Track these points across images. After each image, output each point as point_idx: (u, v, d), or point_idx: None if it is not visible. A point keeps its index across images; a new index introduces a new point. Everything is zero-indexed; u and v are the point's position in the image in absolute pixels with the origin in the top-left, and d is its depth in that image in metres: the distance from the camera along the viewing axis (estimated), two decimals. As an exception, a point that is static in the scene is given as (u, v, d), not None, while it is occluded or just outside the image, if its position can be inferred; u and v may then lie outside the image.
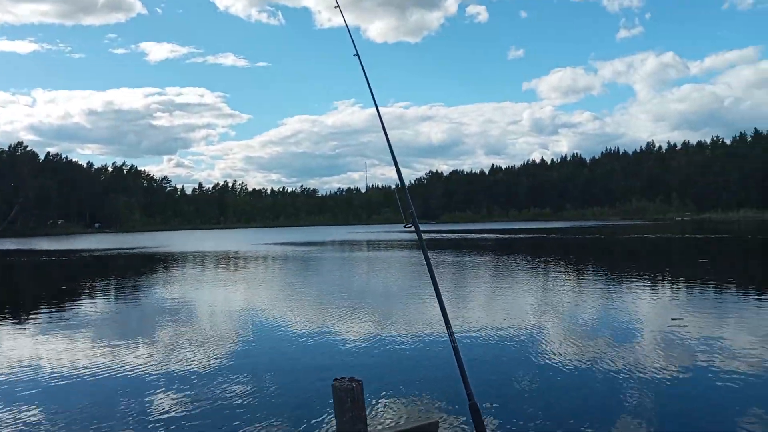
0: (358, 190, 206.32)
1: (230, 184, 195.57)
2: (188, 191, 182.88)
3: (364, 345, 10.13)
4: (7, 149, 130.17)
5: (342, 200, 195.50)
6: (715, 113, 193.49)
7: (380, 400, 6.92)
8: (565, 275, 21.16)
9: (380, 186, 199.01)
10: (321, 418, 6.27)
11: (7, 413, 6.82)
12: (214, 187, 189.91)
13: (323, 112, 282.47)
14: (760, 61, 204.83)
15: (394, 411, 6.62)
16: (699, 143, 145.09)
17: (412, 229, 3.35)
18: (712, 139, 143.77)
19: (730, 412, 6.27)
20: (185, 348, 10.13)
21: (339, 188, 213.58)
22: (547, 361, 8.62)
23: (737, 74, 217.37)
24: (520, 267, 24.53)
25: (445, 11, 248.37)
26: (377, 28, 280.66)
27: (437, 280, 3.14)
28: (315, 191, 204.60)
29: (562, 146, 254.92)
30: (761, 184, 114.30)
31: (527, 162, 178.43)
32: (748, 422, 5.90)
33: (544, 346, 9.61)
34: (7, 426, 6.43)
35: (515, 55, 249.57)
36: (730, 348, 9.04)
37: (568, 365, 8.33)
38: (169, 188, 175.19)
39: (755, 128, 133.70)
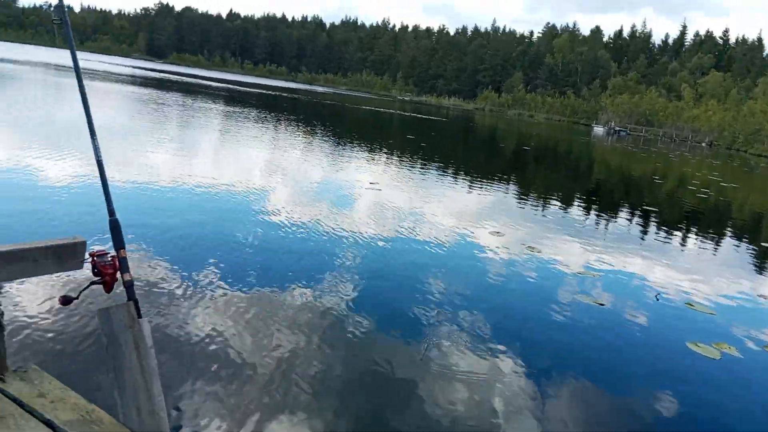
0: (70, 8, 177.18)
1: None
2: None
3: (16, 162, 8.97)
4: None
5: (47, 17, 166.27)
6: (451, 2, 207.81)
7: (20, 216, 6.38)
8: (286, 135, 21.41)
9: (98, 8, 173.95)
10: None
11: None
12: None
13: None
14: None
15: (35, 227, 6.13)
16: (428, 29, 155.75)
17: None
18: (440, 27, 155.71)
19: (413, 269, 7.04)
20: None
21: (47, 2, 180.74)
22: (233, 207, 8.62)
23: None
24: (246, 120, 24.08)
25: None
26: None
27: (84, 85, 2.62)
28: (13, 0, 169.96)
29: (306, 6, 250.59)
30: (471, 77, 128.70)
31: (268, 14, 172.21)
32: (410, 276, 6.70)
33: (234, 192, 9.59)
34: None
35: None
36: (417, 213, 10.14)
37: (251, 213, 8.42)
38: None
39: (476, 24, 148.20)
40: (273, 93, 57.33)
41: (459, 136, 36.76)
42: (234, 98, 39.50)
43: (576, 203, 14.61)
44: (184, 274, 5.46)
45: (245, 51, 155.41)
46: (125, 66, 77.20)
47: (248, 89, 57.80)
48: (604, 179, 22.58)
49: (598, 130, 77.57)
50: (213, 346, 4.17)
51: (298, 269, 6.16)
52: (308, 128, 25.13)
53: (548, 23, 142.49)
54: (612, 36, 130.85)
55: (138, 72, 64.61)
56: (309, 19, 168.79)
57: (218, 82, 66.69)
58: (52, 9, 2.62)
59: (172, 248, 6.22)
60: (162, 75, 62.35)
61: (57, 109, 19.17)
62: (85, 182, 8.58)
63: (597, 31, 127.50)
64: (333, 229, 8.05)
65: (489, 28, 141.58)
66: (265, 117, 27.31)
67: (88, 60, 74.04)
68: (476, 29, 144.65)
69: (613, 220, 12.60)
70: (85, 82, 2.65)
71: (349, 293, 5.64)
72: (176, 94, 33.54)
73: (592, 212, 13.35)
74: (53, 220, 6.58)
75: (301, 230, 7.79)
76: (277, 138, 19.47)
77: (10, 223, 6.24)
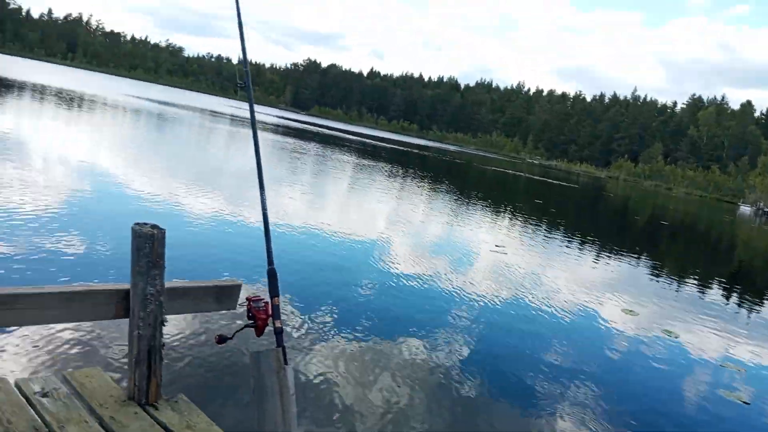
0: (229, 59, 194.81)
1: (85, 19, 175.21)
2: (35, 15, 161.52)
3: (185, 203, 9.88)
4: None
5: (210, 67, 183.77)
6: (587, 69, 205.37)
7: (183, 254, 6.78)
8: (415, 191, 21.85)
9: (253, 61, 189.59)
10: (118, 263, 5.94)
11: None
12: (66, 18, 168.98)
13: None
14: (639, 27, 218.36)
15: (202, 266, 6.56)
16: (563, 94, 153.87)
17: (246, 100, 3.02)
18: (576, 93, 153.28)
19: (532, 337, 6.87)
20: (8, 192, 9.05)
21: (209, 53, 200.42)
22: (365, 259, 8.86)
23: (617, 36, 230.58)
24: (377, 173, 24.91)
25: None
26: None
27: (259, 145, 2.89)
28: (181, 50, 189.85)
29: (441, 66, 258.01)
30: (605, 145, 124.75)
31: (406, 74, 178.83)
32: (540, 352, 6.50)
33: (366, 245, 9.87)
34: None
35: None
36: (541, 280, 9.89)
37: (381, 267, 8.61)
38: (12, 5, 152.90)
39: (614, 92, 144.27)
40: (404, 149, 58.92)
41: (589, 204, 35.54)
42: (368, 152, 41.07)
43: (716, 286, 13.51)
44: (318, 321, 5.70)
45: (381, 107, 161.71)
46: (272, 116, 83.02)
47: (381, 144, 59.88)
48: (748, 263, 20.72)
49: (745, 209, 71.73)
50: (343, 394, 4.30)
51: (425, 321, 6.22)
52: (436, 185, 25.49)
53: (693, 94, 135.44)
54: (764, 112, 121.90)
55: (282, 122, 69.23)
56: (445, 80, 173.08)
57: (354, 135, 69.74)
58: (238, 80, 2.93)
59: (307, 295, 6.51)
60: (304, 126, 66.27)
61: (218, 155, 20.96)
62: (247, 227, 9.28)
63: (747, 106, 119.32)
64: (456, 286, 8.05)
65: (628, 96, 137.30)
66: (396, 171, 28.09)
67: (239, 108, 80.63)
68: (614, 96, 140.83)
69: (759, 308, 11.50)
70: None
71: (465, 353, 5.61)
72: (315, 145, 35.46)
73: (735, 297, 12.29)
74: (216, 261, 7.13)
75: (427, 284, 7.86)
76: (406, 193, 19.92)
77: (177, 260, 6.83)
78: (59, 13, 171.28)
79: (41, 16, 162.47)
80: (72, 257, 6.21)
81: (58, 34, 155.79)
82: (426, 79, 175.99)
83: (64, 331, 4.35)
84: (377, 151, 43.91)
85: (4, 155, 11.38)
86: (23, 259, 5.84)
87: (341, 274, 7.71)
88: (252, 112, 3.00)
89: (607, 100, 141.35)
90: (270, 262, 2.65)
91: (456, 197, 21.80)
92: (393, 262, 8.85)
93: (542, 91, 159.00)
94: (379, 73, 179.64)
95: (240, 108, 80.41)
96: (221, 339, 2.63)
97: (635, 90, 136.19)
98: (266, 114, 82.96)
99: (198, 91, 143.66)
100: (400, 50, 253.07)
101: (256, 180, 2.79)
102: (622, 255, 15.00)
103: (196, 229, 8.63)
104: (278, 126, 54.69)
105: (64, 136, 17.01)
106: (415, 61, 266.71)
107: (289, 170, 19.25)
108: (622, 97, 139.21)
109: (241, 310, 2.61)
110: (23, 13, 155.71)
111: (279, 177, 16.94)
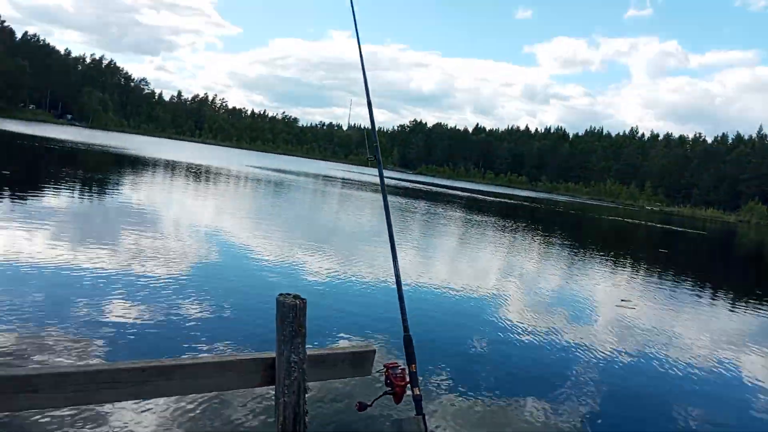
0: (339, 126, 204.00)
1: (210, 98, 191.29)
2: (166, 98, 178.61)
3: (315, 270, 10.19)
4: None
5: (322, 134, 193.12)
6: (704, 110, 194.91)
7: (321, 322, 6.95)
8: (530, 244, 21.37)
9: (362, 126, 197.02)
10: (262, 331, 6.22)
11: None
12: (193, 98, 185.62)
13: (317, 38, 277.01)
14: (758, 65, 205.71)
15: (335, 333, 6.68)
16: (681, 137, 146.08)
17: (376, 169, 3.17)
18: (695, 135, 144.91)
19: (664, 398, 6.40)
20: (145, 257, 9.83)
21: (321, 122, 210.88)
22: (488, 317, 8.70)
23: (733, 75, 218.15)
24: (489, 228, 24.69)
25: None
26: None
27: (391, 215, 3.00)
28: (296, 120, 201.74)
29: (549, 116, 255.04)
30: (732, 187, 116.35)
31: (512, 127, 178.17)
32: (680, 410, 6.03)
33: (487, 302, 9.70)
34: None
35: (523, 15, 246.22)
36: (674, 336, 9.23)
37: (505, 325, 8.40)
38: (146, 91, 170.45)
39: (738, 132, 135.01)
40: (514, 202, 58.13)
41: (720, 251, 32.99)
42: (476, 207, 40.91)
43: None
44: (454, 385, 5.66)
45: (488, 161, 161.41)
46: (377, 176, 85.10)
47: (489, 198, 59.47)
48: None
49: None
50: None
51: (557, 381, 5.97)
52: (551, 237, 24.79)
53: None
54: None
55: (391, 182, 70.88)
56: (552, 131, 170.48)
57: (461, 191, 69.85)
58: (369, 155, 3.07)
59: (440, 359, 6.49)
60: (412, 185, 67.34)
61: (339, 216, 21.77)
62: (376, 290, 9.51)
63: None
64: (581, 342, 7.70)
65: (754, 135, 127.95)
66: (509, 225, 27.67)
67: (349, 171, 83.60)
68: (738, 136, 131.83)
69: None
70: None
71: (590, 414, 5.28)
72: (423, 202, 35.84)
73: None
74: (347, 326, 7.28)
75: (561, 341, 7.59)
76: (522, 247, 19.51)
77: (312, 325, 7.10)
78: (187, 95, 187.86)
79: (171, 98, 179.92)
80: (207, 323, 6.62)
81: (187, 113, 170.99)
82: (533, 130, 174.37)
83: (209, 399, 4.61)
84: (486, 206, 43.61)
85: (144, 226, 12.47)
86: (162, 326, 6.30)
87: (472, 334, 7.63)
88: (383, 188, 3.12)
89: (730, 141, 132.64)
90: (405, 329, 2.69)
91: (574, 249, 21.04)
92: (521, 319, 8.64)
93: (657, 135, 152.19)
94: (484, 128, 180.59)
95: (350, 171, 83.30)
96: (362, 406, 2.67)
97: (761, 129, 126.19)
98: (376, 175, 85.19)
99: (312, 158, 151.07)
100: (504, 104, 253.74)
101: (381, 241, 2.89)
102: (761, 307, 13.70)
103: (327, 292, 8.89)
104: (388, 186, 55.93)
105: (195, 206, 18.39)
106: (520, 113, 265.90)
107: (404, 229, 19.55)
108: (746, 137, 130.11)
109: (377, 374, 2.66)
110: (156, 97, 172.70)
111: (396, 237, 17.20)
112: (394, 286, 2.88)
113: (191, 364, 2.68)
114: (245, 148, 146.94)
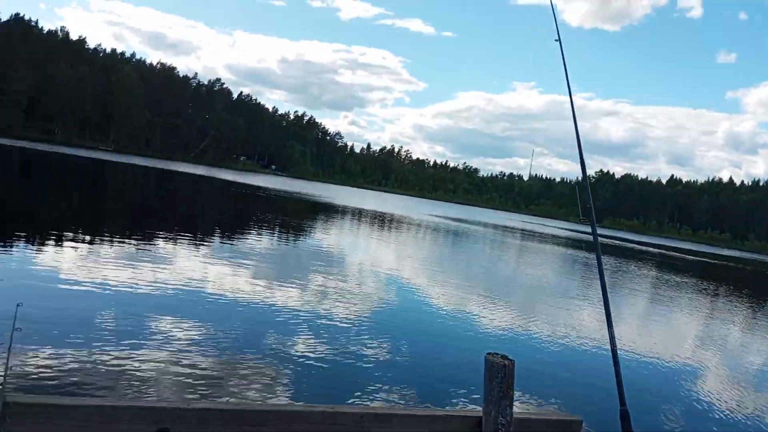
0: (520, 177, 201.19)
1: (396, 150, 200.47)
2: (357, 150, 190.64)
3: (519, 330, 10.05)
4: (206, 83, 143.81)
5: (502, 184, 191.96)
6: None
7: (527, 385, 6.76)
8: (741, 311, 19.14)
9: (544, 177, 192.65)
10: (466, 389, 6.21)
11: (169, 324, 7.49)
12: (381, 150, 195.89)
13: (500, 91, 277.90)
14: None
15: (539, 398, 6.52)
16: None
17: (588, 224, 3.16)
18: None
19: None
20: (338, 299, 10.42)
21: (501, 172, 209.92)
22: (708, 396, 7.88)
23: None
24: (695, 291, 22.58)
25: (654, 0, 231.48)
26: (576, 11, 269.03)
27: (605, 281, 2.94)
28: (476, 170, 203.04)
29: (757, 168, 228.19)
30: None
31: (713, 179, 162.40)
32: None
33: (705, 379, 8.80)
34: (166, 334, 7.13)
35: (725, 59, 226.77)
36: None
37: (726, 404, 7.55)
38: (340, 144, 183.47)
39: None
40: (716, 261, 52.51)
41: None
42: (672, 265, 37.63)
43: None
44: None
45: (684, 216, 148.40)
46: (563, 228, 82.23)
47: (687, 256, 54.34)
48: None
49: None
50: None
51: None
52: (759, 304, 21.93)
53: None
54: None
55: (573, 234, 68.03)
56: (761, 183, 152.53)
57: (653, 247, 64.74)
58: (581, 216, 3.08)
59: None
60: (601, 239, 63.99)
61: (529, 270, 21.47)
62: (583, 355, 8.95)
63: None
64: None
65: None
66: (709, 288, 25.03)
67: (529, 222, 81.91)
68: None
69: None
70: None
71: None
72: (610, 258, 33.78)
73: None
74: (551, 390, 7.01)
75: None
76: (738, 313, 17.51)
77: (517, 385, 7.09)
78: (376, 147, 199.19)
79: (362, 150, 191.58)
80: (390, 367, 6.85)
81: (375, 164, 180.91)
82: (737, 183, 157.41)
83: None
84: (684, 265, 39.87)
85: (338, 268, 13.33)
86: (349, 366, 6.64)
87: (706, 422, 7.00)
88: (598, 251, 3.09)
89: None
90: (622, 402, 2.62)
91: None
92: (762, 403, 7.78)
93: None
94: (680, 179, 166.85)
95: (529, 222, 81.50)
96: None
97: None
98: (557, 227, 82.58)
99: (491, 208, 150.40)
100: (704, 154, 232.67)
101: (586, 299, 2.84)
102: None
103: (530, 351, 8.67)
104: (569, 239, 53.83)
105: (381, 252, 19.24)
106: (723, 164, 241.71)
107: (590, 287, 18.60)
108: None
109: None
110: (348, 149, 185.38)
111: (588, 296, 16.39)
112: (604, 351, 2.83)
113: (404, 414, 2.85)
114: (427, 198, 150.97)
